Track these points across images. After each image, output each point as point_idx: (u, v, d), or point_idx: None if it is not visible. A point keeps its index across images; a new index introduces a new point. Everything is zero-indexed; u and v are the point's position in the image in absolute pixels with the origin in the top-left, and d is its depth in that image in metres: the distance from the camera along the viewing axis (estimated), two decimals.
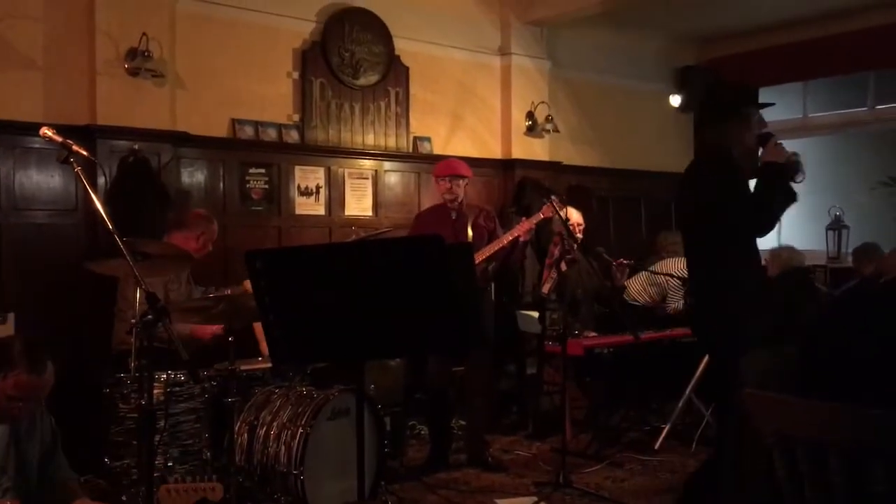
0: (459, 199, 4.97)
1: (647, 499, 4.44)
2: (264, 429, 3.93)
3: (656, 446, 5.26)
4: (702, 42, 8.23)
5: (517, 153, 7.01)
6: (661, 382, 5.73)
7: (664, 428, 5.34)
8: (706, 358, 5.40)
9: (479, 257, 4.77)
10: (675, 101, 7.06)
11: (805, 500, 2.01)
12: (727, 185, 3.36)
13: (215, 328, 4.26)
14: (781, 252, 6.53)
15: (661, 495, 4.48)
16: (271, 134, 5.79)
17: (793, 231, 7.23)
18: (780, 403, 2.06)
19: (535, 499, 4.37)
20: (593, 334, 5.60)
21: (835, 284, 6.66)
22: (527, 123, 7.02)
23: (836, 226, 7.40)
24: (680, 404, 5.36)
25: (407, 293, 2.33)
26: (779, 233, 7.45)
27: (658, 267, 6.64)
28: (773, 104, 3.80)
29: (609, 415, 5.78)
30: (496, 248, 4.83)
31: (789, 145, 9.39)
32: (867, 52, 7.05)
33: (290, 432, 3.82)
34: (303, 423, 3.80)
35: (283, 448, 3.82)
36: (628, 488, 4.62)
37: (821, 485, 1.97)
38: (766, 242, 7.18)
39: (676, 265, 6.43)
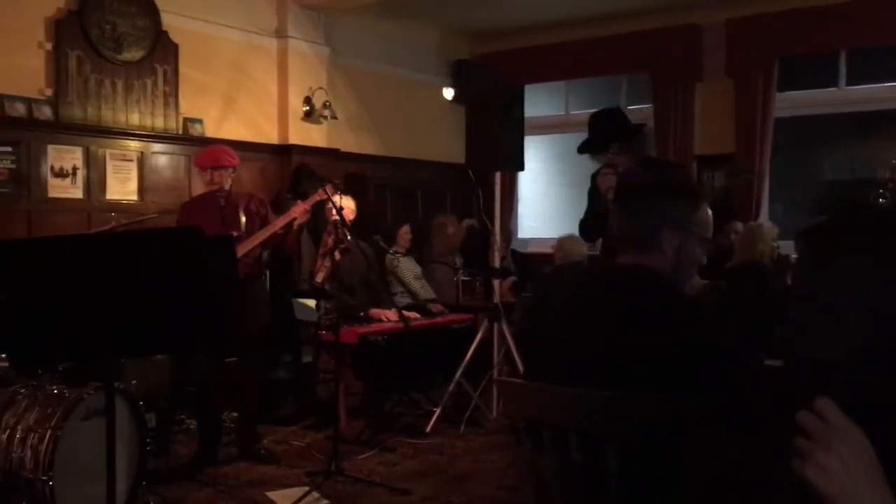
0: (226, 189, 4.81)
1: (416, 481, 4.56)
2: (7, 433, 3.58)
3: (427, 429, 5.42)
4: (475, 37, 8.53)
5: (294, 139, 6.90)
6: (433, 367, 5.91)
7: (435, 411, 5.51)
8: (475, 342, 5.65)
9: (254, 242, 4.66)
10: (449, 93, 7.26)
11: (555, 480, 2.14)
12: None
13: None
14: (563, 242, 6.89)
15: (430, 477, 4.63)
16: (20, 109, 5.28)
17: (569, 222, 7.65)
18: (525, 389, 2.19)
19: (306, 489, 4.34)
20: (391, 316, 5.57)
21: None
22: (304, 109, 6.92)
23: None
24: (450, 388, 5.55)
25: (161, 288, 2.22)
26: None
27: None
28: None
29: (384, 401, 5.87)
30: (270, 233, 4.73)
31: (552, 140, 9.88)
32: (620, 57, 7.65)
33: (37, 435, 3.51)
34: (52, 424, 3.50)
35: (28, 452, 3.50)
36: (399, 472, 4.73)
37: (565, 465, 2.12)
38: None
39: None
